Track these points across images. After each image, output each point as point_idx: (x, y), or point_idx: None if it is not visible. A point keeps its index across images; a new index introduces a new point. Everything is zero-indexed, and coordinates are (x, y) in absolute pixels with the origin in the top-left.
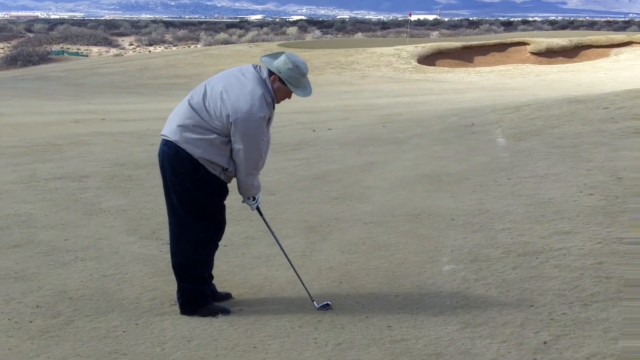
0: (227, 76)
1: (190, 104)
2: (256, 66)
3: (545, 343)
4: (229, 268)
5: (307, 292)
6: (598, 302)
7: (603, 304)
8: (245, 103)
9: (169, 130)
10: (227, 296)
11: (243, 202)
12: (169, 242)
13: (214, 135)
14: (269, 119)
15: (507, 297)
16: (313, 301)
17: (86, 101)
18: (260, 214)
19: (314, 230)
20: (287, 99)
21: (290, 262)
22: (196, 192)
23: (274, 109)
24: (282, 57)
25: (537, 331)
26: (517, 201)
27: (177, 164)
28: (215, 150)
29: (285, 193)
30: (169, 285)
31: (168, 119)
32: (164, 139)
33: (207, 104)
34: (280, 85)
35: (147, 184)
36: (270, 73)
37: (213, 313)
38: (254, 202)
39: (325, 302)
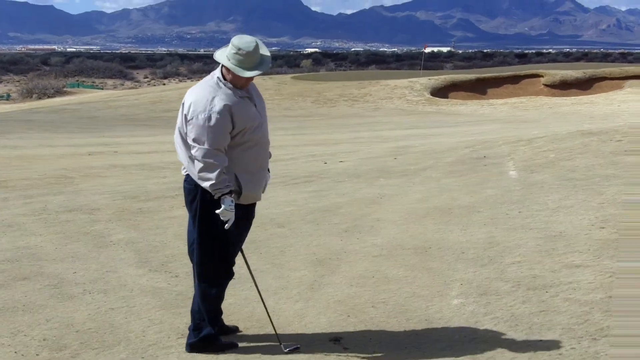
0: None
1: None
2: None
3: None
4: (236, 301)
5: (276, 334)
6: (607, 337)
7: (612, 338)
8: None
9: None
10: (235, 329)
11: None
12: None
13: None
14: (255, 106)
15: (516, 331)
16: (281, 344)
17: (100, 134)
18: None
19: (323, 263)
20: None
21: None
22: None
23: (248, 94)
24: (228, 45)
25: None
26: (527, 234)
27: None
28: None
29: (295, 225)
30: (176, 318)
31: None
32: None
33: None
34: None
35: (157, 216)
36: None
37: (222, 349)
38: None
39: (295, 346)
